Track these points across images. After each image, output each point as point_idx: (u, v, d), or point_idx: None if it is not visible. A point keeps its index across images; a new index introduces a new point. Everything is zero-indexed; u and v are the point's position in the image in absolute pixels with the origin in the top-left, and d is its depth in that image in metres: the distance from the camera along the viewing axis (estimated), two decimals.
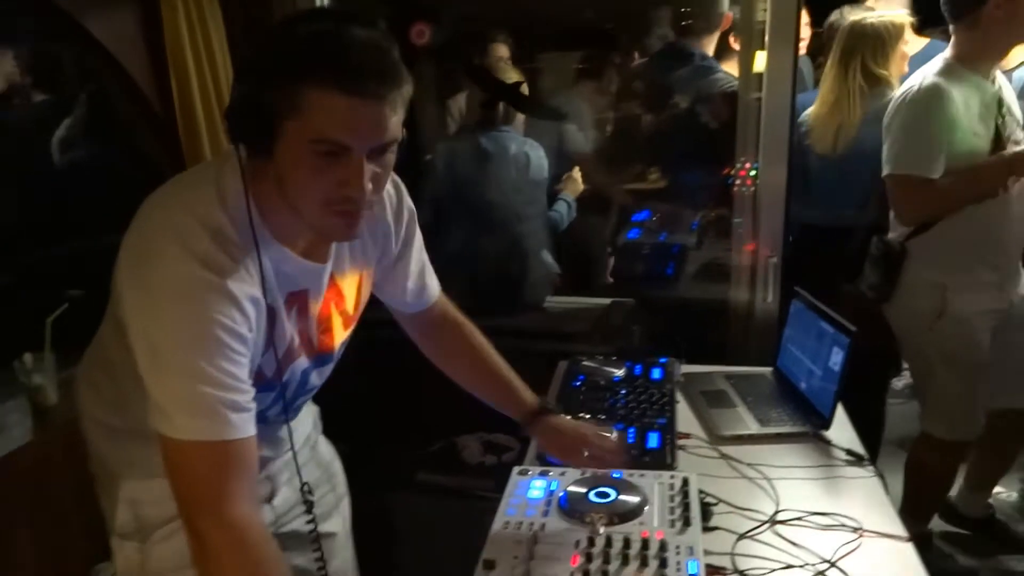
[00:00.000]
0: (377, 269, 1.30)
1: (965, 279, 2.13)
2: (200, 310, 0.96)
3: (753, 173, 2.24)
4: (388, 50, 0.98)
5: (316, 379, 1.27)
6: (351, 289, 1.25)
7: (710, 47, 2.72)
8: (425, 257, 1.39)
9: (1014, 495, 2.82)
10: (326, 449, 1.49)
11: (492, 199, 2.73)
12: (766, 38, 2.09)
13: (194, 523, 0.96)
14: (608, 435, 1.47)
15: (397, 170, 1.10)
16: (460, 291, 2.77)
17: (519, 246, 2.78)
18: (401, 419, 1.55)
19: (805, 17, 2.85)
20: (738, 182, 2.31)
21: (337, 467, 1.50)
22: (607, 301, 2.77)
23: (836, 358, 1.60)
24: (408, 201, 1.30)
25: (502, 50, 2.80)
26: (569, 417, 1.54)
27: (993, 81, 2.11)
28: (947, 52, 2.11)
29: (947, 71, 2.06)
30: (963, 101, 2.03)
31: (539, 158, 2.74)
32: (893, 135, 2.10)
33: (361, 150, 0.97)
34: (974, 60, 2.07)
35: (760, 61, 2.15)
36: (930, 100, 2.03)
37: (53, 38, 2.53)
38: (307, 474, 1.38)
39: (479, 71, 2.72)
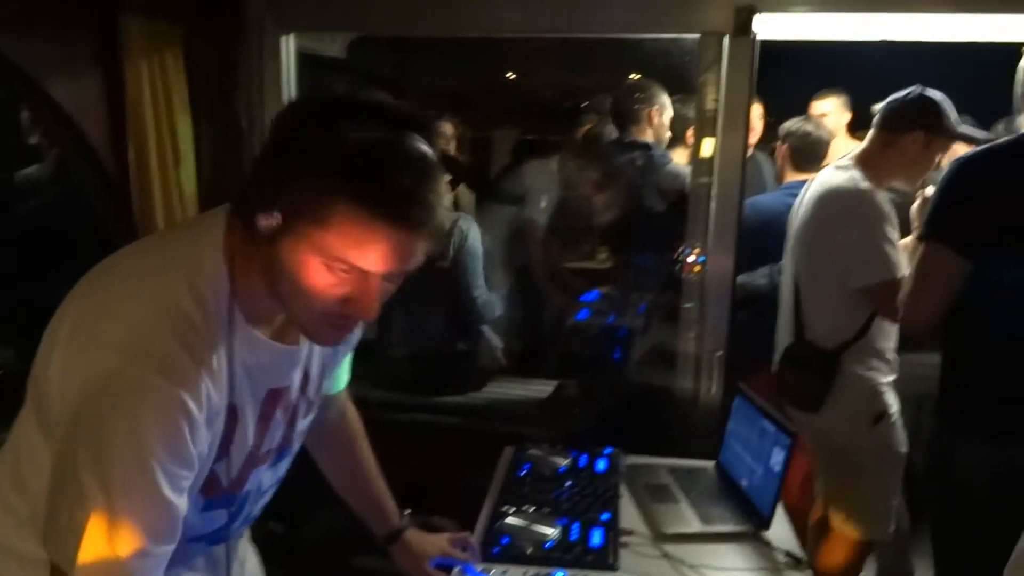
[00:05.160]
0: (334, 350, 1.18)
1: (892, 376, 2.17)
2: (141, 438, 0.83)
3: (702, 260, 2.25)
4: (437, 166, 0.86)
5: (270, 479, 1.13)
6: (317, 371, 1.13)
7: (648, 135, 2.76)
8: None
9: None
10: (252, 563, 1.34)
11: (437, 275, 2.72)
12: (718, 125, 2.11)
13: None
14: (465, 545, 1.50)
15: None
16: (405, 368, 2.77)
17: (466, 322, 2.77)
18: (337, 499, 1.49)
19: (759, 109, 2.96)
20: (686, 268, 2.33)
21: None
22: (552, 384, 2.77)
23: (777, 457, 1.62)
24: None
25: (447, 128, 2.78)
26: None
27: None
28: (852, 160, 2.16)
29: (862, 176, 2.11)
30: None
31: (474, 231, 2.73)
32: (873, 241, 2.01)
33: (380, 274, 0.87)
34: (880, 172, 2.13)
35: (708, 147, 2.19)
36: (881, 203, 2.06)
37: (11, 98, 2.49)
38: None
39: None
